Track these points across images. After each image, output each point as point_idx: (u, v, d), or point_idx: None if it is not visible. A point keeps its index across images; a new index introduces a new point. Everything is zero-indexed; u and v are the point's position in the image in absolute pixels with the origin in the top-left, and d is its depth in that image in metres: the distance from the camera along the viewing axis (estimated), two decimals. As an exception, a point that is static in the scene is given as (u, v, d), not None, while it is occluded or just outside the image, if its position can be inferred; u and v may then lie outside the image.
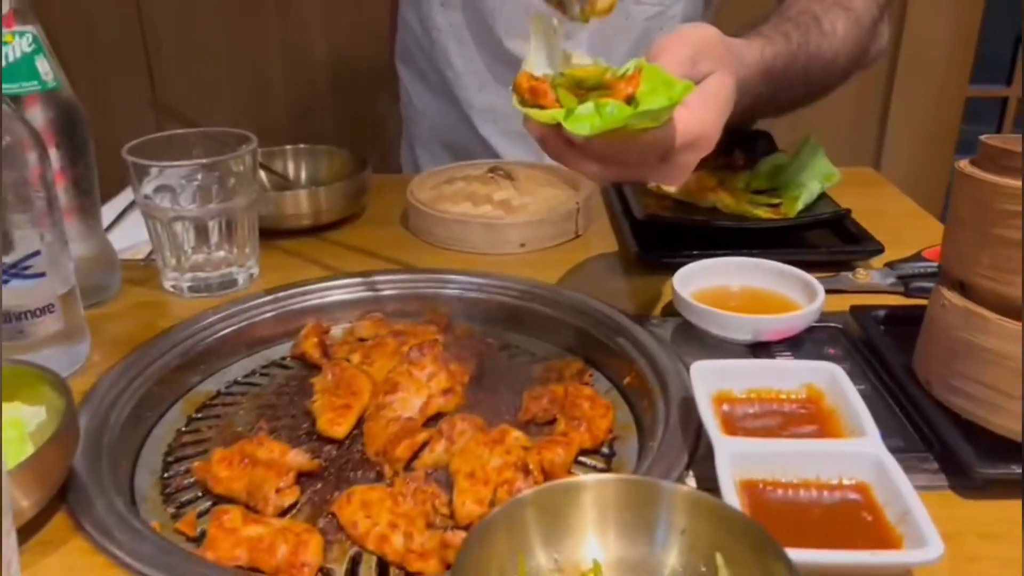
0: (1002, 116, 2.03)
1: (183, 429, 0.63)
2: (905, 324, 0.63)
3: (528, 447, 0.56)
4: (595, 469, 0.58)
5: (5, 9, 0.65)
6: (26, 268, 0.59)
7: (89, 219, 0.73)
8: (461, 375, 0.66)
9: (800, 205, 0.82)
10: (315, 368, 0.69)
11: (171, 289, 0.77)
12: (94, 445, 0.56)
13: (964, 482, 0.51)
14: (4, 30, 0.65)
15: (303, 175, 0.99)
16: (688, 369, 0.58)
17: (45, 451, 0.48)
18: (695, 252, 0.76)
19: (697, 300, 0.67)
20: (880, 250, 0.78)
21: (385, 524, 0.51)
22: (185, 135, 0.78)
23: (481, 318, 0.76)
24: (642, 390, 0.63)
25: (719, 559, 0.41)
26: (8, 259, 0.59)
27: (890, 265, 0.77)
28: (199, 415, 0.65)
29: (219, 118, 2.09)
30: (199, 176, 0.74)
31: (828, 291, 0.69)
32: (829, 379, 0.56)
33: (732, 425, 0.54)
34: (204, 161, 0.73)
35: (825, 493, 0.48)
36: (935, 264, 0.75)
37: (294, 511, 0.54)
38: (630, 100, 0.52)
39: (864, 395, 0.56)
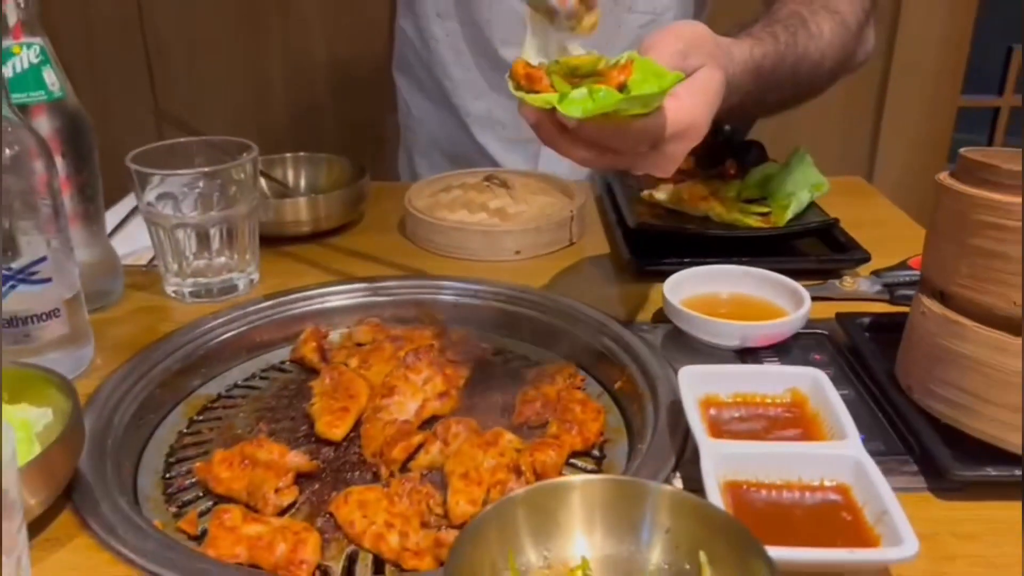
0: (993, 125, 2.04)
1: (184, 431, 0.65)
2: (889, 331, 0.65)
3: (521, 449, 0.58)
4: (586, 471, 0.59)
5: (12, 21, 0.67)
6: (33, 273, 0.61)
7: (93, 225, 0.75)
8: (456, 379, 0.68)
9: (789, 214, 0.84)
10: (313, 372, 0.70)
11: (173, 294, 0.79)
12: (98, 446, 0.58)
13: (942, 484, 0.53)
14: (12, 42, 0.67)
15: (303, 182, 1.00)
16: (677, 374, 0.59)
17: (51, 451, 0.49)
18: (686, 260, 0.77)
19: (687, 307, 0.69)
20: (866, 259, 0.80)
21: (381, 523, 0.52)
22: (187, 143, 0.79)
23: (476, 323, 0.77)
24: (632, 394, 0.65)
25: (702, 557, 0.43)
26: (15, 264, 0.61)
27: (876, 273, 0.79)
28: (200, 417, 0.66)
29: (219, 122, 2.12)
30: (201, 184, 0.76)
31: (815, 298, 0.70)
32: (813, 384, 0.58)
33: (718, 428, 0.56)
34: (206, 169, 0.75)
35: (807, 494, 0.50)
36: (920, 273, 0.77)
37: (293, 510, 0.56)
38: (622, 88, 0.53)
39: (848, 400, 0.58)
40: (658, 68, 0.55)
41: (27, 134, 0.62)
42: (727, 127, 1.29)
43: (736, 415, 0.57)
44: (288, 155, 1.00)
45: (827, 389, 0.56)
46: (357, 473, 0.59)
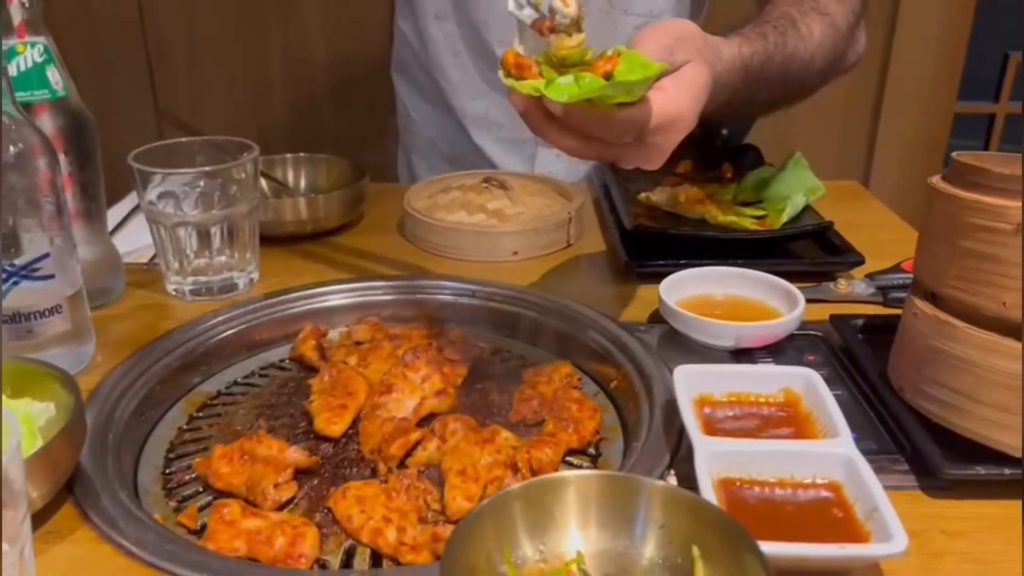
0: (989, 131, 2.06)
1: (184, 427, 0.66)
2: (882, 332, 0.66)
3: (517, 446, 0.59)
4: (582, 468, 0.60)
5: (17, 20, 0.68)
6: (36, 270, 0.62)
7: (95, 223, 0.76)
8: (454, 378, 0.68)
9: (785, 217, 0.85)
10: (312, 370, 0.71)
11: (173, 292, 0.79)
12: (100, 441, 0.58)
13: (932, 482, 0.54)
14: (16, 41, 0.68)
15: (303, 183, 1.01)
16: (672, 373, 0.60)
17: (53, 445, 0.50)
18: (682, 261, 0.78)
19: (683, 308, 0.69)
20: (861, 261, 0.81)
21: (379, 518, 0.53)
22: (188, 143, 0.80)
23: (474, 323, 0.78)
24: (628, 393, 0.66)
25: (695, 551, 0.43)
26: (18, 261, 0.61)
27: (870, 276, 0.79)
28: (200, 414, 0.67)
29: (219, 122, 2.12)
30: (202, 183, 0.76)
31: (810, 300, 0.71)
32: (806, 384, 0.58)
33: (713, 427, 0.57)
34: (207, 169, 0.75)
35: (799, 491, 0.51)
36: (913, 270, 0.78)
37: (292, 505, 0.56)
38: (608, 77, 0.55)
39: (841, 399, 0.59)
40: (644, 60, 0.56)
41: (31, 132, 0.62)
42: (724, 131, 1.30)
43: (730, 414, 0.58)
44: (288, 155, 1.01)
45: (820, 389, 0.57)
46: (355, 469, 0.60)
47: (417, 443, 0.60)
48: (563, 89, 0.53)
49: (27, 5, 0.68)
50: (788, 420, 0.57)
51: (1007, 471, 0.52)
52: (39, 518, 0.51)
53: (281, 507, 0.56)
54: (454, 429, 0.60)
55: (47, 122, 0.69)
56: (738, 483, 0.51)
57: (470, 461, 0.57)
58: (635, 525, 0.45)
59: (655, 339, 0.72)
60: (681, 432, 0.57)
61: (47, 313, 0.63)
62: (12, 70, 0.67)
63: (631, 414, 0.64)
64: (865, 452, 0.52)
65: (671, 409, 0.60)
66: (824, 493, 0.50)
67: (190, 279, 0.78)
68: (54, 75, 0.69)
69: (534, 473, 0.57)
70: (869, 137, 1.96)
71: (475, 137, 1.19)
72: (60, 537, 0.50)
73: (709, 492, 0.48)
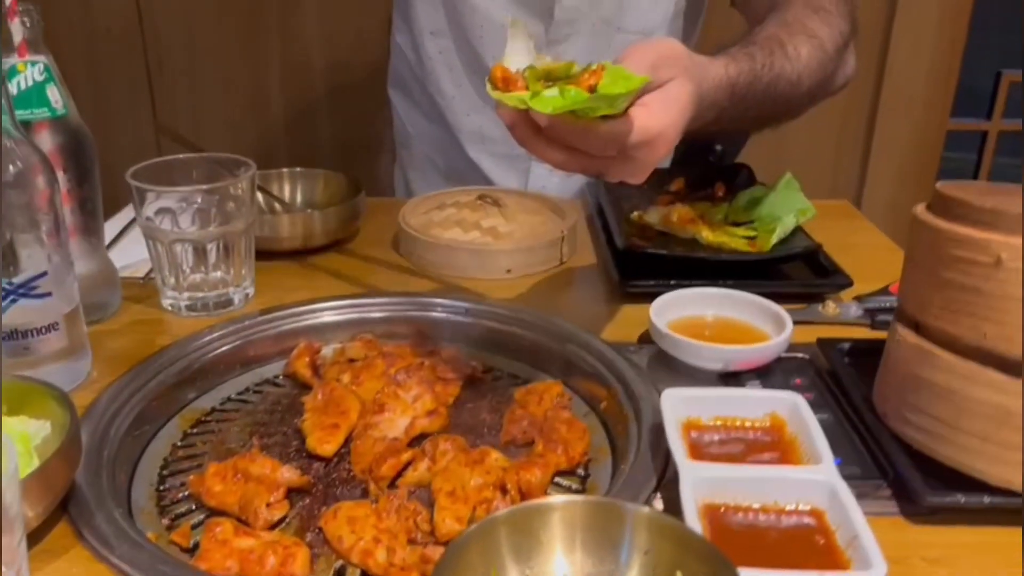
0: (982, 146, 2.07)
1: (178, 443, 0.66)
2: (867, 356, 0.66)
3: (507, 467, 0.60)
4: (570, 490, 0.61)
5: (18, 39, 0.69)
6: (33, 288, 0.63)
7: (92, 238, 0.77)
8: (446, 397, 0.69)
9: (775, 239, 0.86)
10: (306, 387, 0.72)
11: (169, 308, 0.80)
12: (95, 458, 0.59)
13: (913, 509, 0.55)
14: (17, 59, 0.69)
15: (299, 197, 1.02)
16: (661, 396, 0.61)
17: (50, 464, 0.51)
18: (672, 282, 0.79)
19: (673, 329, 0.70)
20: (849, 284, 0.82)
21: (369, 539, 0.54)
22: (186, 160, 0.81)
23: (467, 341, 0.79)
24: (617, 415, 0.67)
25: (679, 577, 0.44)
26: (16, 279, 0.62)
27: (858, 298, 0.80)
28: (194, 430, 0.68)
29: (217, 134, 2.13)
30: (199, 199, 0.77)
31: (798, 322, 0.72)
32: (791, 409, 0.59)
33: (699, 451, 0.58)
34: (205, 187, 0.76)
35: (782, 517, 0.52)
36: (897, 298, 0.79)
37: (283, 524, 0.57)
38: (592, 90, 0.56)
39: (826, 424, 0.60)
40: (627, 73, 0.58)
41: (30, 150, 0.63)
42: (719, 147, 1.31)
43: (716, 438, 0.59)
44: (285, 170, 1.02)
45: (805, 414, 0.58)
46: (347, 489, 0.61)
47: (408, 463, 0.61)
48: (548, 101, 0.55)
49: (28, 24, 0.69)
50: (773, 445, 0.58)
51: (987, 499, 0.53)
52: (34, 537, 0.52)
53: (273, 526, 0.56)
54: (444, 450, 0.61)
55: (46, 140, 0.70)
56: (722, 508, 0.52)
57: (460, 482, 0.57)
58: (620, 551, 0.46)
59: (645, 360, 0.73)
60: (668, 456, 0.58)
61: (44, 330, 0.64)
62: (12, 89, 0.68)
63: (620, 435, 0.65)
64: (848, 477, 0.53)
65: (659, 432, 0.60)
66: (807, 520, 0.51)
67: (186, 294, 0.79)
68: (54, 93, 0.70)
69: (523, 495, 0.58)
70: (863, 153, 1.98)
71: (470, 152, 1.20)
72: (55, 556, 0.51)
73: (694, 517, 0.49)
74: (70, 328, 0.66)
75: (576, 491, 0.61)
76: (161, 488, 0.61)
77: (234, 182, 0.77)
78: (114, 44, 2.00)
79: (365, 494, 0.60)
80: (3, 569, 0.38)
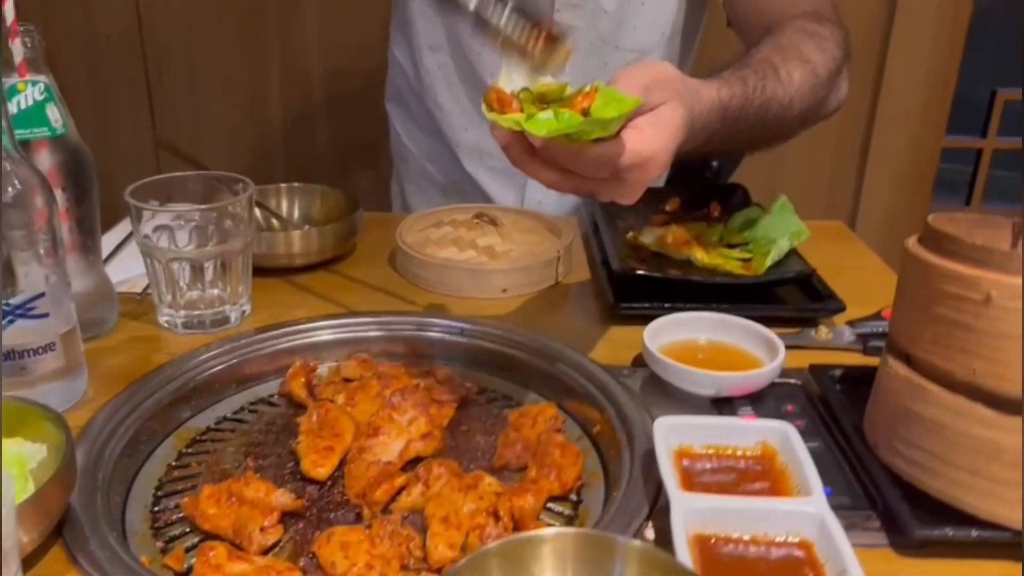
0: (977, 161, 2.08)
1: (173, 464, 0.67)
2: (859, 384, 0.67)
3: (500, 493, 0.60)
4: (563, 516, 0.61)
5: (18, 59, 0.69)
6: (31, 309, 0.63)
7: (90, 255, 0.77)
8: (440, 419, 0.70)
9: (769, 261, 0.86)
10: (301, 407, 0.72)
11: (166, 324, 0.80)
12: (90, 480, 0.59)
13: (902, 541, 0.55)
14: (17, 79, 0.69)
15: (296, 212, 1.02)
16: (654, 421, 0.61)
17: (46, 490, 0.51)
18: (667, 305, 0.80)
19: (666, 352, 0.71)
20: (842, 309, 0.82)
21: (362, 564, 0.54)
22: (184, 177, 0.81)
23: (462, 361, 0.79)
24: (610, 439, 0.67)
25: (668, 612, 0.45)
26: (14, 300, 0.62)
27: (851, 323, 0.81)
28: (189, 450, 0.68)
29: (216, 137, 2.13)
30: (197, 217, 0.78)
31: (791, 347, 0.73)
32: (782, 438, 0.60)
33: (691, 479, 0.58)
34: (202, 207, 0.77)
35: (772, 549, 0.52)
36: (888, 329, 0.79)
37: (277, 549, 0.57)
38: (585, 113, 0.57)
39: (816, 452, 0.60)
40: (619, 95, 0.58)
41: (28, 171, 0.64)
42: (715, 163, 1.32)
43: (708, 467, 0.59)
44: (283, 185, 1.02)
45: (795, 444, 0.59)
46: (341, 513, 0.61)
47: (402, 488, 0.61)
48: (542, 124, 0.56)
49: (29, 44, 0.69)
50: (764, 474, 0.59)
51: (975, 532, 0.53)
52: (28, 561, 0.52)
53: (267, 551, 0.57)
54: (438, 474, 0.61)
55: (45, 158, 0.71)
56: (713, 539, 0.52)
57: (453, 508, 0.58)
58: (611, 584, 0.46)
59: (638, 383, 0.73)
60: (660, 484, 0.59)
61: (41, 351, 0.64)
62: (12, 108, 0.68)
63: (613, 460, 0.66)
64: (838, 507, 0.53)
65: (651, 458, 0.61)
66: (796, 552, 0.52)
67: (182, 312, 0.80)
68: (53, 113, 0.71)
69: (515, 521, 0.58)
70: (858, 169, 1.99)
71: (467, 166, 1.21)
72: (48, 581, 0.52)
73: (684, 548, 0.50)
74: (67, 348, 0.67)
75: (569, 517, 0.61)
76: (155, 510, 0.62)
77: (233, 201, 0.78)
78: (114, 51, 2.00)
79: (359, 518, 0.60)
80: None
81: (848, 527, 0.52)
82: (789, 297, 0.86)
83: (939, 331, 0.54)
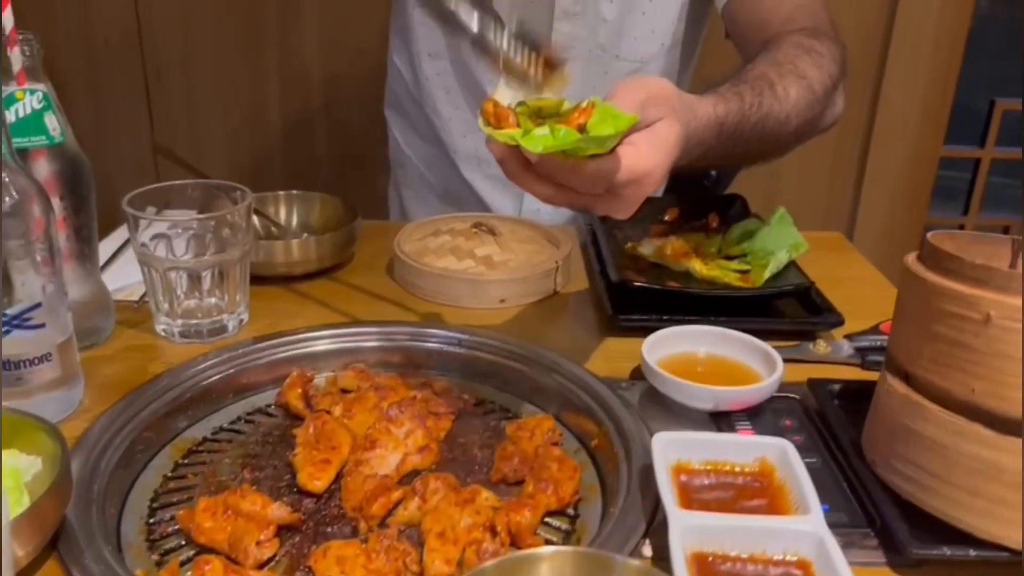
0: (975, 171, 2.08)
1: (169, 475, 0.66)
2: (857, 399, 0.67)
3: (497, 507, 0.60)
4: (560, 531, 0.61)
5: (17, 67, 0.69)
6: (27, 320, 0.63)
7: (87, 264, 0.77)
8: (437, 431, 0.69)
9: (768, 273, 0.86)
10: (298, 418, 0.72)
11: (163, 333, 0.80)
12: (85, 491, 0.59)
13: (899, 560, 0.55)
14: (15, 87, 0.69)
15: (294, 220, 1.02)
16: (652, 435, 0.61)
17: (41, 504, 0.51)
18: (665, 317, 0.80)
19: (665, 365, 0.71)
20: (840, 322, 0.82)
21: (358, 580, 0.54)
22: (182, 185, 0.81)
23: (459, 372, 0.79)
24: (608, 453, 0.67)
25: (666, 632, 0.44)
26: (11, 311, 0.62)
27: (849, 337, 0.81)
28: (185, 461, 0.68)
29: (214, 141, 2.13)
30: (194, 225, 0.77)
31: (789, 360, 0.73)
32: (780, 455, 0.60)
33: (688, 496, 0.58)
34: (200, 216, 0.76)
35: (770, 567, 0.52)
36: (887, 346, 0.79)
37: (272, 563, 0.57)
38: (582, 129, 0.57)
39: (814, 468, 0.60)
40: (616, 112, 0.58)
41: (26, 181, 0.63)
42: (713, 172, 1.32)
43: (706, 483, 0.59)
44: (281, 193, 1.02)
45: (793, 461, 0.58)
46: (337, 526, 0.61)
47: (398, 502, 0.61)
48: (538, 140, 0.56)
49: (27, 53, 0.69)
50: (762, 491, 0.59)
51: (972, 552, 0.53)
52: (23, 575, 0.52)
53: (262, 565, 0.56)
54: (435, 488, 0.61)
55: (43, 167, 0.70)
56: (711, 558, 0.52)
57: (449, 523, 0.58)
58: (608, 603, 0.46)
59: (636, 396, 0.73)
60: (658, 500, 0.58)
61: (37, 361, 0.64)
62: (10, 116, 0.68)
63: (610, 474, 0.66)
64: (835, 525, 0.53)
65: (649, 473, 0.61)
66: (794, 571, 0.51)
67: (179, 321, 0.79)
68: (52, 121, 0.70)
69: (512, 537, 0.58)
70: (856, 179, 1.99)
71: (465, 173, 1.21)
72: (43, 595, 0.51)
73: (682, 566, 0.50)
74: (63, 358, 0.66)
75: (566, 532, 0.61)
76: (151, 522, 0.61)
77: (231, 210, 0.78)
78: (112, 54, 2.00)
79: (355, 532, 0.60)
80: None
81: (845, 545, 0.52)
82: (787, 310, 0.86)
83: (938, 350, 0.54)
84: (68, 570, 0.53)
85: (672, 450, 0.60)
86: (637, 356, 0.75)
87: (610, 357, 0.80)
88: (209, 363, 0.75)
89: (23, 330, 0.63)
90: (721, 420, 0.69)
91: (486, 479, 0.65)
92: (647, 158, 0.61)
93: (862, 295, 0.90)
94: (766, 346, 0.73)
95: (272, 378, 0.77)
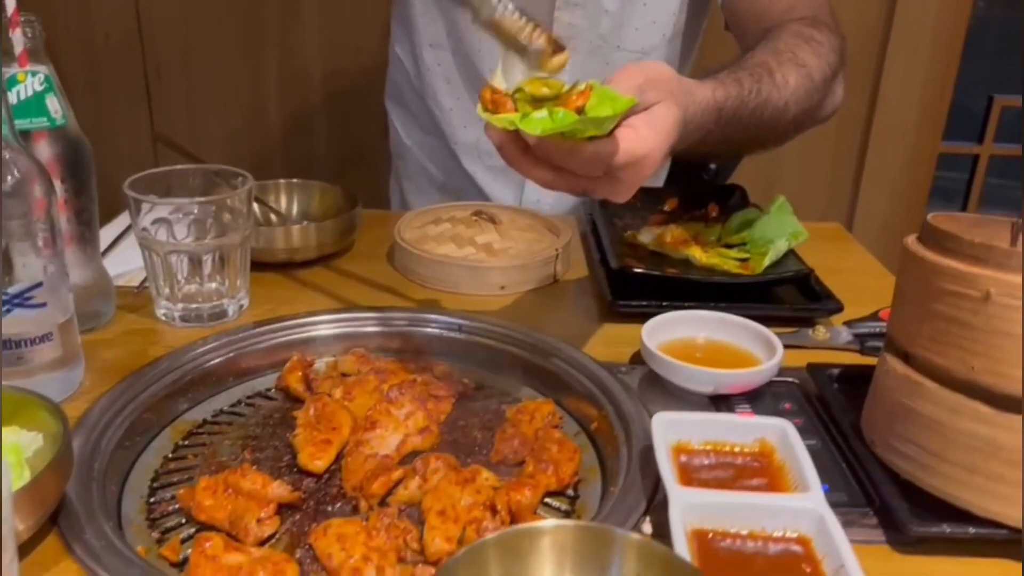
0: (973, 169, 2.09)
1: (170, 455, 0.66)
2: (857, 383, 0.67)
3: (497, 487, 0.60)
4: (559, 511, 0.61)
5: (19, 49, 0.69)
6: (29, 298, 0.63)
7: (88, 248, 0.77)
8: (437, 414, 0.69)
9: (767, 262, 0.86)
10: (298, 400, 0.72)
11: (163, 318, 0.80)
12: (86, 470, 0.59)
13: (899, 538, 0.55)
14: (17, 69, 0.69)
15: (295, 208, 1.02)
16: (651, 418, 0.61)
17: (42, 478, 0.51)
18: (665, 304, 0.80)
19: (664, 351, 0.71)
20: (839, 309, 0.82)
21: (359, 557, 0.54)
22: (184, 170, 0.81)
23: (460, 357, 0.79)
24: (608, 435, 0.67)
25: (666, 604, 0.45)
26: (12, 290, 0.62)
27: (848, 323, 0.81)
28: (185, 442, 0.68)
29: (214, 138, 2.13)
30: (195, 210, 0.78)
31: (788, 346, 0.73)
32: (780, 435, 0.60)
33: (688, 475, 0.58)
34: (202, 200, 0.76)
35: (770, 544, 0.52)
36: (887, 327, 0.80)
37: (273, 541, 0.57)
38: (580, 111, 0.57)
39: (814, 450, 0.60)
40: (614, 94, 0.58)
41: (28, 160, 0.63)
42: (712, 166, 1.32)
43: (706, 463, 0.59)
44: (282, 181, 1.02)
45: (794, 441, 0.59)
46: (337, 505, 0.61)
47: (399, 481, 0.61)
48: (537, 123, 0.56)
49: (29, 34, 0.69)
50: (762, 471, 0.59)
51: (971, 529, 0.53)
52: (23, 549, 0.52)
53: (263, 542, 0.57)
54: (435, 468, 0.61)
55: (44, 149, 0.70)
56: (711, 534, 0.52)
57: (450, 502, 0.58)
58: (609, 576, 0.46)
59: (636, 380, 0.73)
60: (658, 479, 0.59)
61: (38, 340, 0.64)
62: (12, 98, 0.68)
63: (610, 456, 0.66)
64: (835, 504, 0.53)
65: (649, 454, 0.61)
66: (794, 547, 0.52)
67: (180, 305, 0.79)
68: (53, 104, 0.71)
69: (512, 515, 0.58)
70: (855, 174, 1.99)
71: (465, 164, 1.21)
72: (44, 569, 0.51)
73: (682, 543, 0.50)
74: (64, 338, 0.66)
75: (566, 512, 0.61)
76: (151, 501, 0.61)
77: (231, 195, 0.78)
78: (112, 51, 2.00)
79: (356, 511, 0.60)
80: (-6, 586, 0.38)
81: (845, 524, 0.52)
82: (787, 297, 0.87)
83: (937, 328, 0.54)
84: (69, 545, 0.53)
85: (672, 430, 0.60)
86: (636, 342, 0.76)
87: (609, 343, 0.80)
88: (209, 346, 0.75)
89: (24, 309, 0.63)
90: (721, 403, 0.69)
91: (486, 460, 0.66)
92: (645, 141, 0.61)
93: (861, 284, 0.90)
94: (765, 330, 0.73)
95: (272, 362, 0.77)
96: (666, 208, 1.04)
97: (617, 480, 0.61)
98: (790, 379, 0.72)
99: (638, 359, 0.75)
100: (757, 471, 0.59)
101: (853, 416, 0.64)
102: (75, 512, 0.55)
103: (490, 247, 0.91)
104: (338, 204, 0.99)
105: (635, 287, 0.84)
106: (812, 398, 0.70)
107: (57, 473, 0.53)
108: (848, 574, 0.47)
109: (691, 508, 0.53)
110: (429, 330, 0.81)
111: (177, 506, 0.60)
